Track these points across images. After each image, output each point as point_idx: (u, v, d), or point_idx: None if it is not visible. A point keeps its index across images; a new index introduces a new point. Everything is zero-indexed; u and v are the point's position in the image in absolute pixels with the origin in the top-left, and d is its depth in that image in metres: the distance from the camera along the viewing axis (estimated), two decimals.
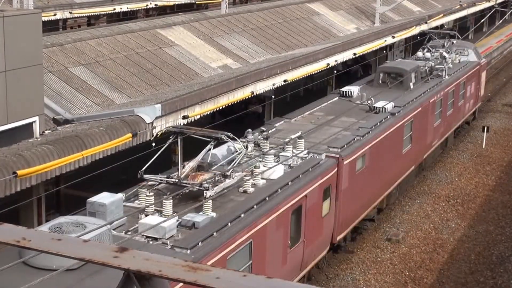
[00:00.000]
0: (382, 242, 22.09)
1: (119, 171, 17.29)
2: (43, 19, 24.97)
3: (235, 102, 21.68)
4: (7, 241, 4.16)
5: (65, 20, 38.08)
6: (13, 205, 13.74)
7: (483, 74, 36.29)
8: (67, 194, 20.09)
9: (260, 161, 16.90)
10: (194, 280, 3.70)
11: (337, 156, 18.94)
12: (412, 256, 21.28)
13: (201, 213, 14.04)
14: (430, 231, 23.12)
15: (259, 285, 3.69)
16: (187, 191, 14.97)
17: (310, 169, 17.46)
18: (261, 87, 22.65)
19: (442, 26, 44.41)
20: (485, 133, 32.27)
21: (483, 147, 31.94)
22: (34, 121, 16.08)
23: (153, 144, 15.30)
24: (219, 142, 15.88)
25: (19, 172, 13.24)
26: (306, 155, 18.35)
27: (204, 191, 14.59)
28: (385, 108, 23.48)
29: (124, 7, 36.55)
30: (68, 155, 14.43)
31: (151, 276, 3.86)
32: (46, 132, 16.44)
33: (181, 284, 3.78)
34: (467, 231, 23.22)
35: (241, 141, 16.62)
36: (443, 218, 24.22)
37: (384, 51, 37.74)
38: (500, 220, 24.22)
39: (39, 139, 15.65)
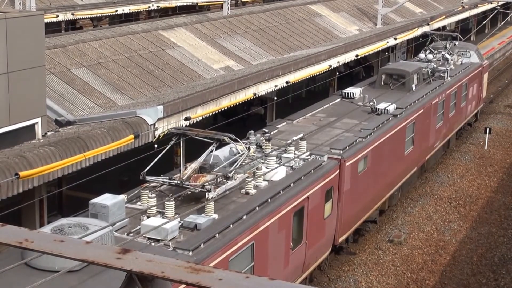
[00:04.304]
0: (384, 244, 22.07)
1: (121, 173, 17.30)
2: (46, 20, 25.01)
3: (237, 103, 21.68)
4: (9, 242, 4.16)
5: (72, 22, 38.18)
6: (15, 207, 13.75)
7: (485, 76, 36.27)
8: (69, 195, 20.11)
9: (262, 163, 16.89)
10: (197, 281, 3.70)
11: (339, 157, 18.93)
12: (414, 258, 21.26)
13: (203, 214, 14.04)
14: (432, 232, 23.10)
15: (262, 286, 3.69)
16: (189, 192, 14.96)
17: (312, 171, 17.46)
18: (263, 89, 22.66)
19: (444, 27, 44.39)
20: (487, 134, 32.25)
21: (485, 148, 31.92)
22: (36, 123, 16.09)
23: (155, 146, 15.30)
24: (221, 144, 15.88)
25: (21, 174, 13.25)
26: (308, 157, 18.34)
27: (206, 193, 14.59)
28: (387, 109, 23.48)
29: (126, 9, 36.60)
30: (70, 157, 14.44)
31: (153, 277, 3.86)
32: (48, 133, 16.45)
33: (183, 285, 3.78)
34: (469, 233, 23.20)
35: (243, 143, 16.61)
36: (445, 219, 24.20)
37: (386, 53, 37.74)
38: (502, 222, 24.20)
39: (41, 140, 15.66)
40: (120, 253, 3.97)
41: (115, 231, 12.96)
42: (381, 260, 21.01)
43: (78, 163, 14.72)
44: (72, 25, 40.14)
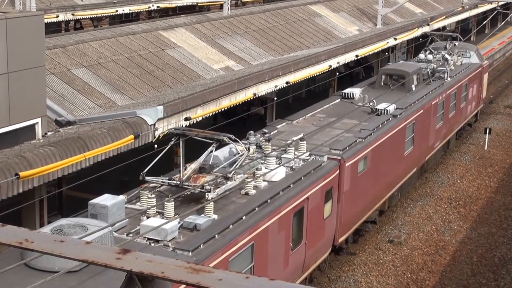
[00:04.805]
0: (384, 244, 22.07)
1: (121, 173, 17.30)
2: (46, 21, 25.01)
3: (237, 104, 21.68)
4: (9, 243, 4.16)
5: (74, 21, 38.22)
6: (15, 207, 13.74)
7: (485, 76, 36.28)
8: (69, 195, 20.10)
9: (262, 163, 16.89)
10: (197, 282, 3.70)
11: (339, 158, 18.93)
12: (414, 258, 21.26)
13: (202, 215, 14.04)
14: (432, 233, 23.10)
15: (262, 287, 3.69)
16: (189, 193, 14.96)
17: (312, 171, 17.46)
18: (263, 89, 22.66)
19: (444, 28, 44.40)
20: (487, 135, 32.26)
21: (485, 149, 31.92)
22: (37, 123, 16.09)
23: (155, 146, 15.30)
24: (221, 144, 15.87)
25: (21, 174, 13.25)
26: (308, 157, 18.34)
27: (206, 193, 14.58)
28: (387, 110, 23.48)
29: (127, 9, 36.62)
30: (70, 157, 14.44)
31: (153, 277, 3.86)
32: (48, 133, 16.45)
33: (183, 286, 3.78)
34: (469, 233, 23.20)
35: (243, 143, 16.61)
36: (445, 220, 24.20)
37: (386, 53, 37.74)
38: (502, 222, 24.20)
39: (41, 140, 15.66)
40: (120, 254, 3.97)
41: (115, 231, 12.96)
42: (381, 261, 21.01)
43: (78, 163, 14.72)
44: (75, 25, 40.18)
